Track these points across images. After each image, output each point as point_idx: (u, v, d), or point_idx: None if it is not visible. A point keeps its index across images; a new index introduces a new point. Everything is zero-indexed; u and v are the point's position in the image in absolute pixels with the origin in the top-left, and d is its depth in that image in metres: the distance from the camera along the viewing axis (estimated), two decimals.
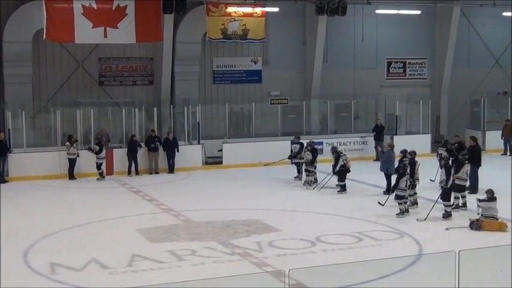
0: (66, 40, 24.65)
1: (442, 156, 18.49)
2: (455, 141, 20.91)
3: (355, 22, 29.49)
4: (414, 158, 18.00)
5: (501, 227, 14.98)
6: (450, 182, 16.36)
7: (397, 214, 16.54)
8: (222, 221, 16.20)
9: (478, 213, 15.28)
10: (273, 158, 24.26)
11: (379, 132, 26.40)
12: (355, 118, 29.29)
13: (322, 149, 25.62)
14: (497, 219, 15.16)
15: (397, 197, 16.66)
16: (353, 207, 17.87)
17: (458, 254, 9.58)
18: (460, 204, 17.26)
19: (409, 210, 16.78)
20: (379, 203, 17.10)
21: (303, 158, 21.47)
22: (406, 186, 16.67)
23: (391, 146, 20.09)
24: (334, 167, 20.03)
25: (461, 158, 17.95)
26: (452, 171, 16.69)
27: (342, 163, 19.81)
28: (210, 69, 28.65)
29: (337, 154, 20.14)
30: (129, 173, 23.54)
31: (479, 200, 15.37)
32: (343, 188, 19.82)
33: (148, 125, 25.49)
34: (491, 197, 15.25)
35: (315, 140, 23.35)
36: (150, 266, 12.69)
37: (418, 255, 13.06)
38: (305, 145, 21.79)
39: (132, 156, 23.53)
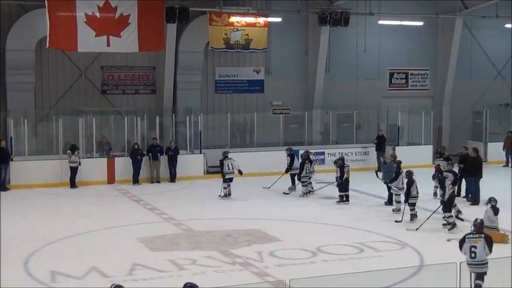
0: (69, 48, 24.65)
1: (439, 167, 18.44)
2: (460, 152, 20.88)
3: (358, 33, 29.56)
4: (400, 166, 18.48)
5: (503, 239, 14.91)
6: (447, 195, 16.36)
7: (410, 220, 16.97)
8: (223, 231, 16.18)
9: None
10: (274, 167, 24.11)
11: (381, 143, 26.38)
12: (357, 128, 29.29)
13: (324, 159, 25.64)
14: (499, 231, 15.12)
15: (410, 205, 17.16)
16: (354, 217, 17.84)
17: (459, 265, 9.56)
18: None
19: (402, 219, 17.04)
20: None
21: (295, 169, 21.40)
22: (417, 193, 17.22)
23: (394, 157, 20.06)
24: (341, 177, 19.78)
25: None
26: (448, 183, 16.63)
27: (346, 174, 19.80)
28: (212, 78, 28.67)
29: (341, 164, 20.01)
30: (134, 181, 23.57)
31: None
32: (347, 198, 19.77)
33: (150, 133, 25.49)
34: (494, 206, 15.16)
35: (317, 151, 23.22)
36: (151, 275, 12.67)
37: (419, 266, 13.01)
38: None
39: (134, 164, 23.55)
